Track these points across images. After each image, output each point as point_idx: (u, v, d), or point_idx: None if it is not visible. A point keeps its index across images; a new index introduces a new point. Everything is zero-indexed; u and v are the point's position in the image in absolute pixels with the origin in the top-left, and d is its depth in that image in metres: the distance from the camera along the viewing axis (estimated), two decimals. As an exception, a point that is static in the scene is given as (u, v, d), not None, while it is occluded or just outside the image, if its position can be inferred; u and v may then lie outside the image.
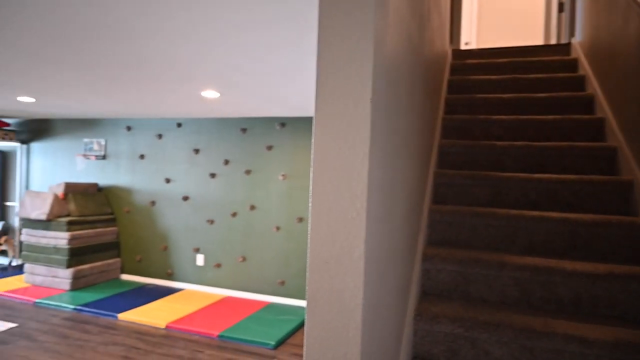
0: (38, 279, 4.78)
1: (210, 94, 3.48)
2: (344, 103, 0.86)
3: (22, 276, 5.13)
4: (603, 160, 2.15)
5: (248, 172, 4.72)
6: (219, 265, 4.83)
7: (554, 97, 2.57)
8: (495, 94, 2.88)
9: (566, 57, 3.03)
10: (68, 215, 4.83)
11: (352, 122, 0.85)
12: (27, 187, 5.94)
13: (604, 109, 2.36)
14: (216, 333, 3.60)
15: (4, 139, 5.66)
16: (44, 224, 4.76)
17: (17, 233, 5.90)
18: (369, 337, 0.91)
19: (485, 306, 1.59)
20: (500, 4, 5.42)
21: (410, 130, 1.39)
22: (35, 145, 5.85)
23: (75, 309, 4.11)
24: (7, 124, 5.66)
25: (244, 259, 4.72)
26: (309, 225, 0.88)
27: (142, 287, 4.89)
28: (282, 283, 4.56)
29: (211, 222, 4.87)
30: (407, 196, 1.38)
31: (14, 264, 5.83)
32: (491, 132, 2.46)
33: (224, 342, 3.52)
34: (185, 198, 4.99)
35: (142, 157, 5.21)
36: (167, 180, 5.08)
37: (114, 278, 5.18)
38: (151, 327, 3.79)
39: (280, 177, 4.59)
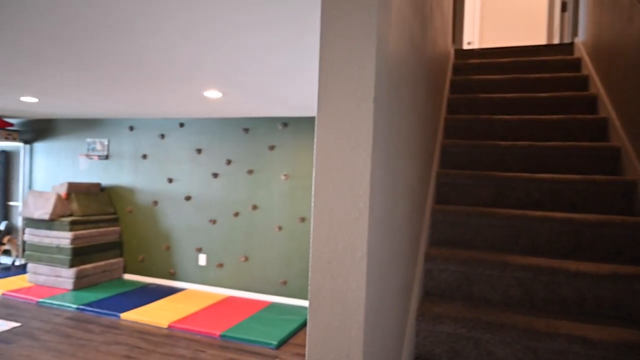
0: (41, 279, 4.79)
1: (212, 94, 3.49)
2: (346, 103, 0.85)
3: (25, 276, 5.14)
4: (606, 160, 2.14)
5: (250, 172, 4.72)
6: (221, 265, 4.84)
7: (557, 96, 2.56)
8: (498, 93, 2.88)
9: (569, 57, 3.02)
10: (71, 215, 4.84)
11: (355, 122, 0.85)
12: (30, 186, 5.96)
13: (607, 108, 2.35)
14: (218, 333, 3.60)
15: (7, 139, 5.68)
16: (47, 224, 4.78)
17: (20, 233, 5.91)
18: (371, 337, 0.91)
19: (488, 306, 1.59)
20: (502, 3, 5.41)
21: (412, 130, 1.38)
22: (39, 145, 5.87)
23: (78, 308, 4.12)
24: (11, 124, 5.68)
25: (246, 259, 4.73)
26: (312, 225, 0.88)
27: (145, 287, 4.90)
28: (285, 283, 4.56)
29: (213, 222, 4.88)
30: (409, 196, 1.37)
31: (17, 263, 5.85)
32: (494, 132, 2.46)
33: (226, 342, 3.52)
34: (188, 198, 4.99)
35: (144, 157, 5.22)
36: (170, 180, 5.09)
37: (116, 278, 5.19)
38: (153, 326, 3.80)
39: (283, 177, 4.59)
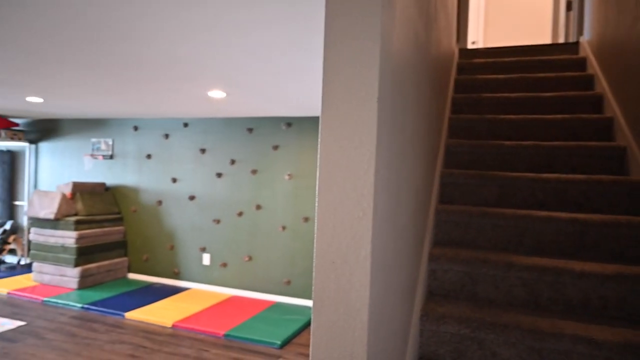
0: (46, 278, 4.82)
1: (216, 94, 3.49)
2: (350, 103, 0.85)
3: (31, 275, 5.18)
4: (612, 160, 2.13)
5: (254, 171, 4.73)
6: (225, 265, 4.85)
7: (562, 96, 2.55)
8: (503, 93, 2.86)
9: (574, 56, 3.01)
10: (76, 215, 4.87)
11: (359, 122, 0.85)
12: (35, 186, 6.00)
13: (613, 108, 2.34)
14: (222, 332, 3.61)
15: (12, 138, 5.72)
16: (52, 223, 4.80)
17: (25, 232, 5.95)
18: (375, 337, 0.91)
19: (493, 307, 1.58)
20: (507, 2, 5.39)
21: (416, 129, 1.38)
22: (44, 145, 5.91)
23: (82, 307, 4.14)
24: (16, 124, 5.72)
25: (250, 259, 4.73)
26: (315, 225, 0.88)
27: (149, 286, 4.91)
28: (288, 282, 4.57)
29: (217, 221, 4.89)
30: (413, 196, 1.37)
31: (22, 262, 5.88)
32: (498, 131, 2.45)
33: (229, 342, 3.53)
34: (192, 197, 5.01)
35: (149, 156, 5.23)
36: (174, 180, 5.11)
37: (121, 277, 5.21)
38: (158, 326, 3.81)
39: (287, 177, 4.59)
